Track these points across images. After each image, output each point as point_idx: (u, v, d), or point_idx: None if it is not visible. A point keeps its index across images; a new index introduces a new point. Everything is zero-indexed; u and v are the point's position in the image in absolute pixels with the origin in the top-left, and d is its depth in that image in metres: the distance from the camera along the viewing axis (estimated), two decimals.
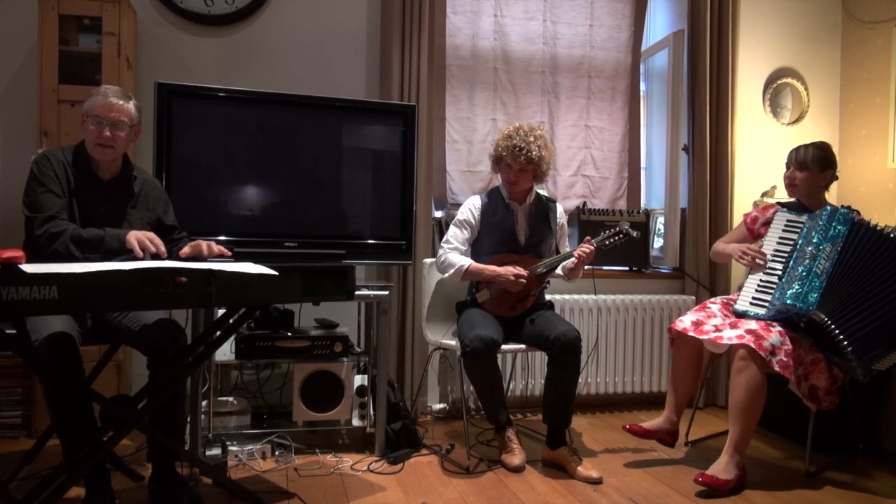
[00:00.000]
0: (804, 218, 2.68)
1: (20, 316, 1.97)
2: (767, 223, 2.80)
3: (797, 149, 2.78)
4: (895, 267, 2.49)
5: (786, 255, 2.65)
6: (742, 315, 2.66)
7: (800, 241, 2.64)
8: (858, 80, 3.89)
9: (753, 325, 2.53)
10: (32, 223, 2.07)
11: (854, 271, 2.53)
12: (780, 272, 2.64)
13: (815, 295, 2.51)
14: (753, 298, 2.65)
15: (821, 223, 2.62)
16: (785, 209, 2.77)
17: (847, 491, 2.51)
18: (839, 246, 2.55)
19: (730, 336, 2.52)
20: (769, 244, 2.72)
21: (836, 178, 2.80)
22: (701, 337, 2.60)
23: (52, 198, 2.10)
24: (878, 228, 2.54)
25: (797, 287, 2.56)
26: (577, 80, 3.75)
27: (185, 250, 2.16)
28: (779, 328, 2.50)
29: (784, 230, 2.71)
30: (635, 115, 3.85)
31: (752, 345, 2.43)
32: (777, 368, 2.42)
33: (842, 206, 2.67)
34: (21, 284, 1.51)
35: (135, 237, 2.00)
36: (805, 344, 2.55)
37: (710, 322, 2.64)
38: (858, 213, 2.71)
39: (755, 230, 2.88)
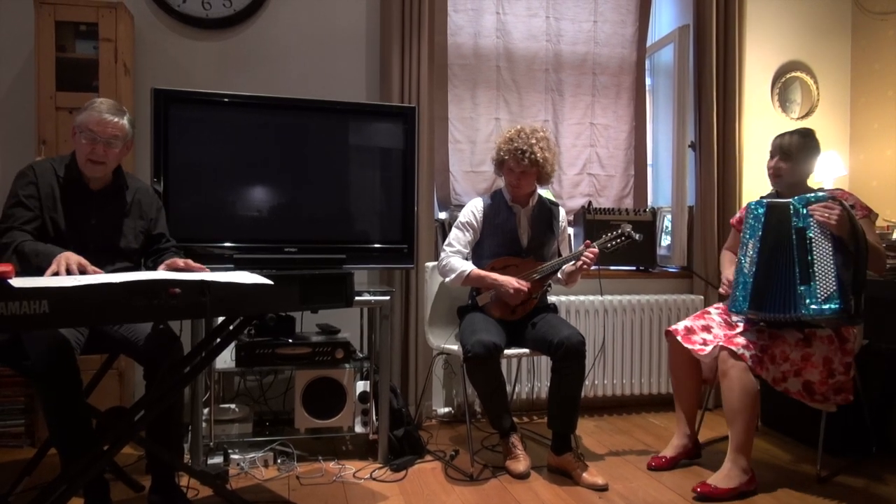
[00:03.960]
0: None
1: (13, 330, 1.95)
2: None
3: (781, 136, 2.63)
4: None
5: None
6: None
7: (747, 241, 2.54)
8: (870, 72, 3.81)
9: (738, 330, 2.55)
10: None
11: (777, 245, 2.43)
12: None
13: (745, 294, 2.45)
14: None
15: (750, 214, 2.55)
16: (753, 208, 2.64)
17: (860, 496, 2.45)
18: (759, 232, 2.48)
19: (709, 350, 2.52)
20: (741, 252, 2.60)
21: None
22: (686, 345, 2.58)
23: (20, 210, 2.08)
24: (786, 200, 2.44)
25: (736, 293, 2.51)
26: (581, 78, 3.69)
27: (161, 268, 2.06)
28: (754, 329, 2.50)
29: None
30: (641, 112, 3.79)
31: (723, 342, 2.44)
32: (749, 363, 2.38)
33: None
34: (10, 299, 1.48)
35: (61, 260, 1.86)
36: (791, 340, 2.45)
37: (700, 334, 2.62)
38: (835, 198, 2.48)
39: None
